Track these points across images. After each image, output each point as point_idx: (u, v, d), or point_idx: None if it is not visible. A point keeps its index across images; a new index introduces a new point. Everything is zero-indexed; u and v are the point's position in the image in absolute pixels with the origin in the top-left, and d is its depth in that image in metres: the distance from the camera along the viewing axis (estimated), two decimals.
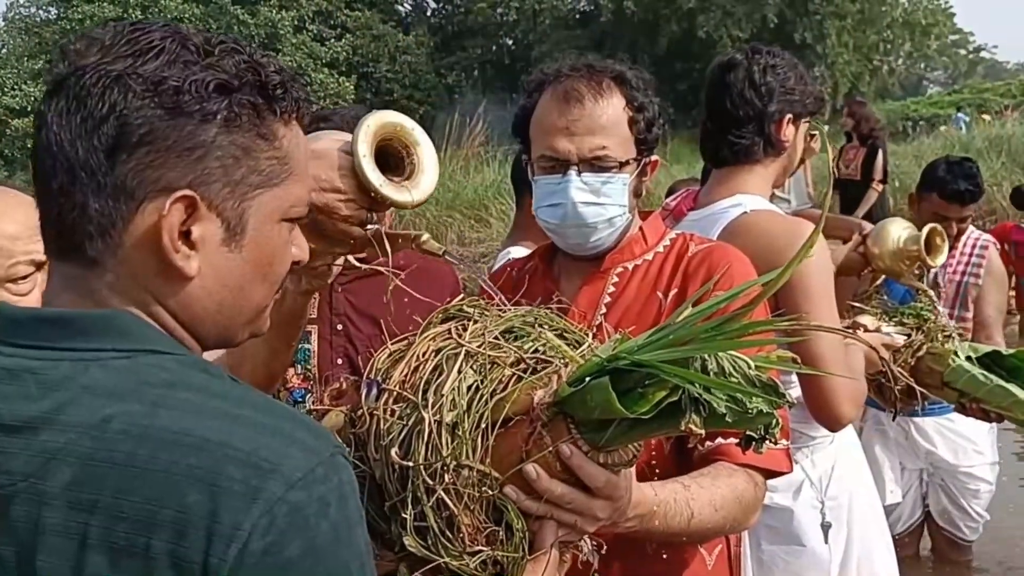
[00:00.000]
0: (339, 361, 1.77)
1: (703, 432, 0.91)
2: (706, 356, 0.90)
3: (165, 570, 0.70)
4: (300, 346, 1.71)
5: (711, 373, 0.91)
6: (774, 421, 0.95)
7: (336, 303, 1.82)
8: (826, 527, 2.28)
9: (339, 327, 1.80)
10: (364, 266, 1.32)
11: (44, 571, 0.72)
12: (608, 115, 1.44)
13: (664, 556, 1.42)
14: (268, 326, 0.91)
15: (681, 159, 14.97)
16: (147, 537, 0.70)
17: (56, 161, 0.78)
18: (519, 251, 2.40)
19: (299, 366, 1.79)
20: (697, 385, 0.88)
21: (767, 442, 0.98)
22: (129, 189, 0.78)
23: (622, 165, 1.46)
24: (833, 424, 1.89)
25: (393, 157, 1.22)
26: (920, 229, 2.48)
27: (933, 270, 3.24)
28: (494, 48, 27.55)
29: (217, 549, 0.69)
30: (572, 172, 1.44)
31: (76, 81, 0.78)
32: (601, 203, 1.45)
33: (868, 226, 2.57)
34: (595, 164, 1.44)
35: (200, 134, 0.79)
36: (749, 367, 0.91)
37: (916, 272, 2.62)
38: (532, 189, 2.74)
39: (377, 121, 1.19)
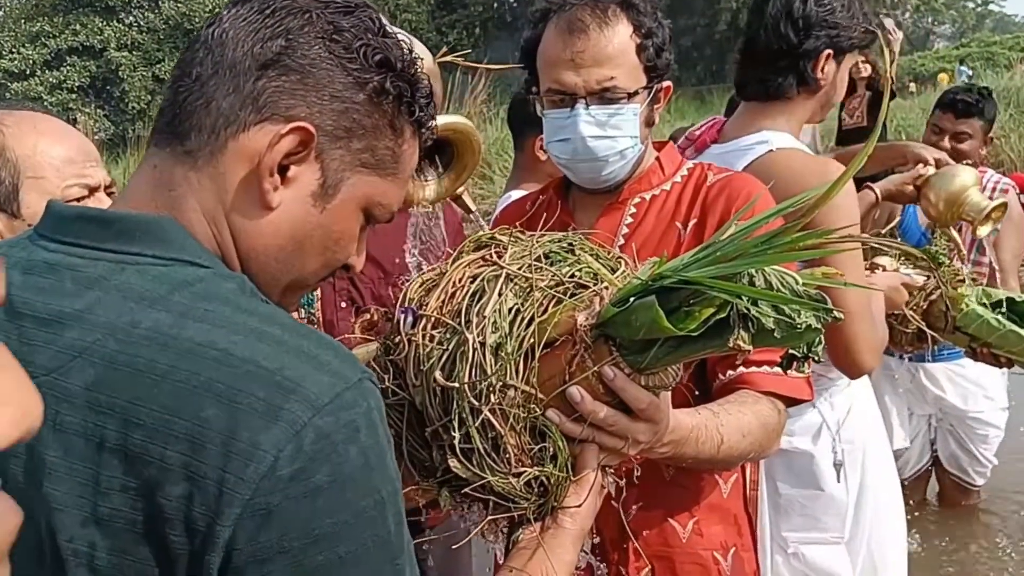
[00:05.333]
0: (343, 304, 1.76)
1: (751, 349, 0.90)
2: (753, 272, 0.89)
3: (180, 482, 0.68)
4: None
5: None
6: (818, 339, 0.95)
7: None
8: (838, 465, 2.29)
9: None
10: None
11: (58, 468, 0.70)
12: (614, 44, 1.40)
13: (681, 483, 1.44)
14: (294, 309, 0.91)
15: (686, 115, 14.86)
16: (162, 447, 0.68)
17: (211, 53, 0.81)
18: (519, 194, 2.38)
19: (303, 310, 1.78)
20: (745, 300, 0.88)
21: (809, 361, 0.98)
22: (260, 103, 0.80)
23: (631, 95, 1.42)
24: (853, 372, 1.88)
25: (446, 145, 1.26)
26: None
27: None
28: (495, 5, 27.22)
29: (234, 466, 0.68)
30: (580, 106, 1.41)
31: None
32: (611, 136, 1.43)
33: (936, 156, 2.53)
34: (603, 96, 1.41)
35: (348, 92, 0.82)
36: (796, 283, 0.90)
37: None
38: (530, 129, 2.71)
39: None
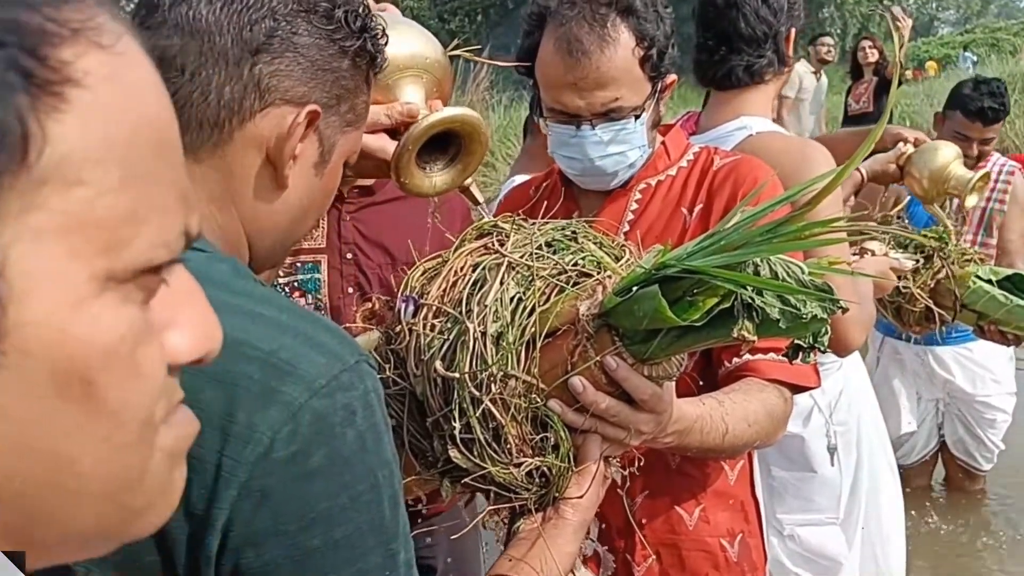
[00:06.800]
0: (350, 290, 1.76)
1: (755, 339, 0.89)
2: (758, 261, 0.88)
3: None
4: (310, 276, 1.71)
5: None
6: (824, 329, 0.93)
7: (345, 232, 1.80)
8: (832, 449, 2.31)
9: (348, 256, 1.78)
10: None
11: None
12: (616, 64, 1.34)
13: (686, 471, 1.43)
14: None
15: (689, 102, 14.77)
16: None
17: (192, 40, 0.80)
18: (523, 178, 2.36)
19: (309, 296, 1.77)
20: (750, 289, 0.86)
21: (815, 351, 0.97)
22: (262, 89, 0.81)
23: (638, 115, 1.39)
24: (841, 349, 1.89)
25: (453, 136, 1.25)
26: None
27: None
28: None
29: (232, 449, 0.67)
30: (586, 127, 1.38)
31: None
32: (620, 151, 1.40)
33: (915, 136, 2.52)
34: (609, 116, 1.37)
35: (335, 62, 0.84)
36: (802, 272, 0.89)
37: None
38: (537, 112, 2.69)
39: (442, 117, 1.22)
